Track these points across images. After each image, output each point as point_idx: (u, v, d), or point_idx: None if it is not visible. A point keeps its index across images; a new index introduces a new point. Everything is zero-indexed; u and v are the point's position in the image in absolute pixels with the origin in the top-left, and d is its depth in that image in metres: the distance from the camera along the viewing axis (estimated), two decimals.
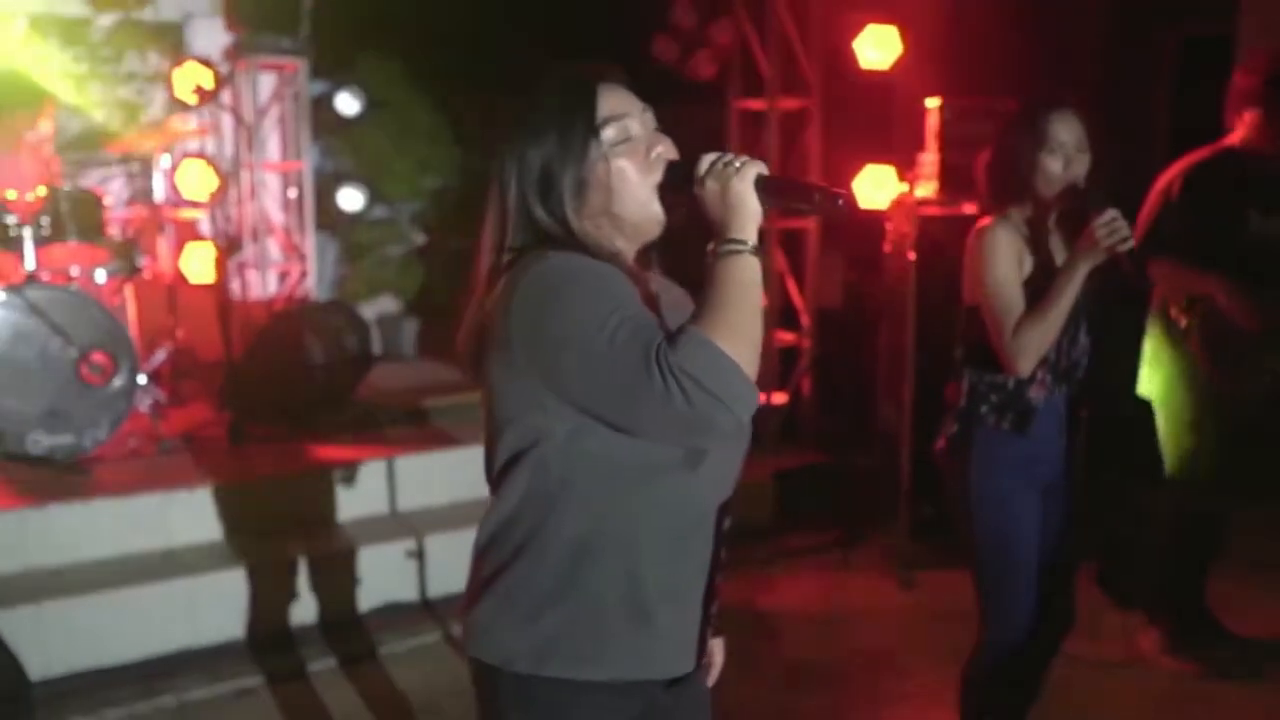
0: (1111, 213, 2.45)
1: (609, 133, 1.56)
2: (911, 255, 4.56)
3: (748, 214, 1.51)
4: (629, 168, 1.57)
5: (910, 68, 5.35)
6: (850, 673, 3.83)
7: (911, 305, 4.53)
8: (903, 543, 4.57)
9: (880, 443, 5.01)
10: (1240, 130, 3.56)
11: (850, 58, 5.30)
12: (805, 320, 5.77)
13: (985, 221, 2.67)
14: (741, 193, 1.50)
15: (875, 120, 5.76)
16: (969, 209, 4.60)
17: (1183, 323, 3.56)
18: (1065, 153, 2.57)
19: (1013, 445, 2.62)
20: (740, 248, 1.48)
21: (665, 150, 1.60)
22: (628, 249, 1.62)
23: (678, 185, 1.57)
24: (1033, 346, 2.53)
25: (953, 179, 4.51)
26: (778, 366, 5.75)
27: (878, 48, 5.26)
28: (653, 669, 1.62)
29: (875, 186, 5.07)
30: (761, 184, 1.51)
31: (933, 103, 4.68)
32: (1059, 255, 2.67)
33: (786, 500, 5.16)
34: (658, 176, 1.58)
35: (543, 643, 1.55)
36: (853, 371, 5.58)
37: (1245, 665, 3.71)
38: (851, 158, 5.21)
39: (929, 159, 4.67)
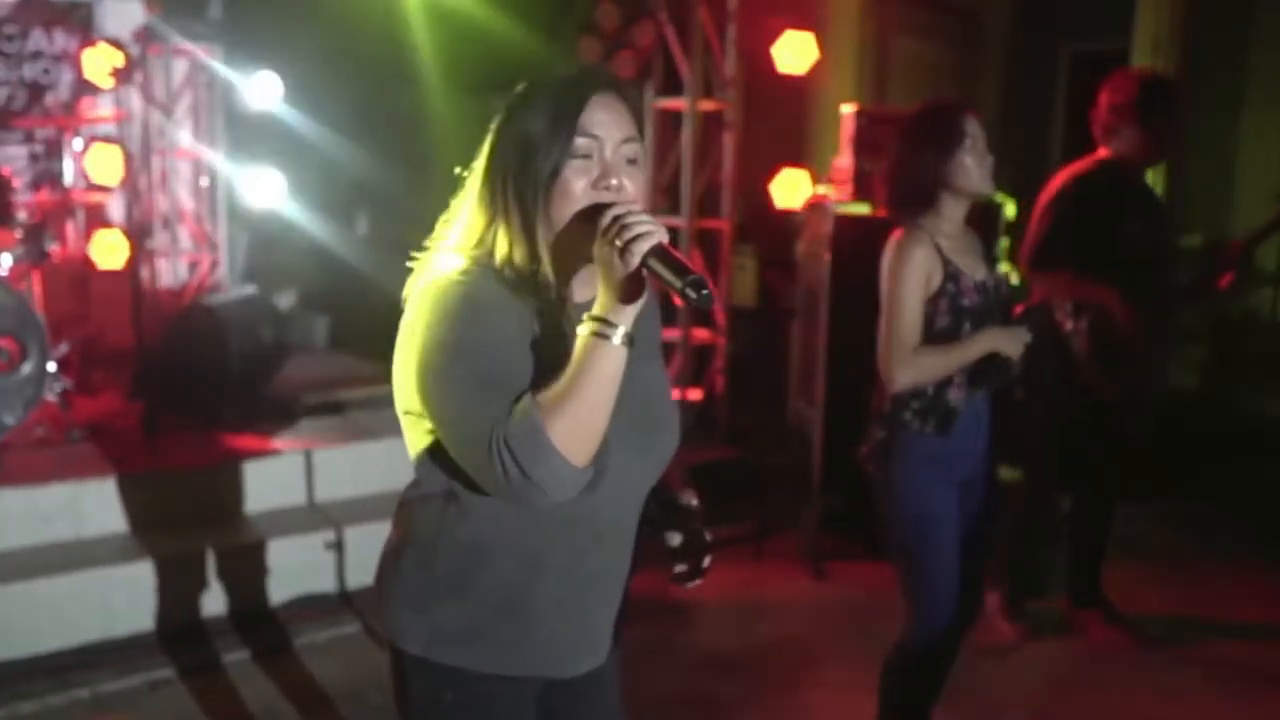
0: (1028, 336, 2.76)
1: (577, 140, 1.53)
2: (826, 256, 4.70)
3: (622, 299, 1.44)
4: (573, 183, 1.53)
5: (826, 74, 5.50)
6: (765, 660, 3.94)
7: (825, 305, 4.66)
8: (814, 535, 4.71)
9: (792, 439, 5.14)
10: (1116, 144, 3.82)
11: (768, 62, 5.43)
12: (720, 318, 5.88)
13: (899, 234, 2.79)
14: (629, 270, 1.42)
15: (792, 124, 5.90)
16: (882, 212, 4.77)
17: (1068, 326, 3.79)
18: (981, 148, 2.72)
19: (933, 445, 2.76)
20: (610, 333, 1.44)
21: (620, 185, 1.54)
22: (553, 262, 1.57)
23: (590, 226, 1.50)
24: (918, 375, 2.72)
25: (866, 183, 4.66)
26: (693, 363, 5.85)
27: (795, 53, 5.40)
28: (538, 669, 1.69)
29: (790, 189, 5.22)
30: (654, 254, 1.43)
31: (848, 108, 4.83)
32: (971, 259, 2.81)
33: (699, 495, 5.24)
34: (580, 205, 1.54)
35: (432, 629, 1.63)
36: (766, 369, 5.71)
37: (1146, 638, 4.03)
38: (768, 160, 5.35)
39: (843, 163, 4.82)
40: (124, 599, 3.89)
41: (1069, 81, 7.66)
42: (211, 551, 4.10)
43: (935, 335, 2.73)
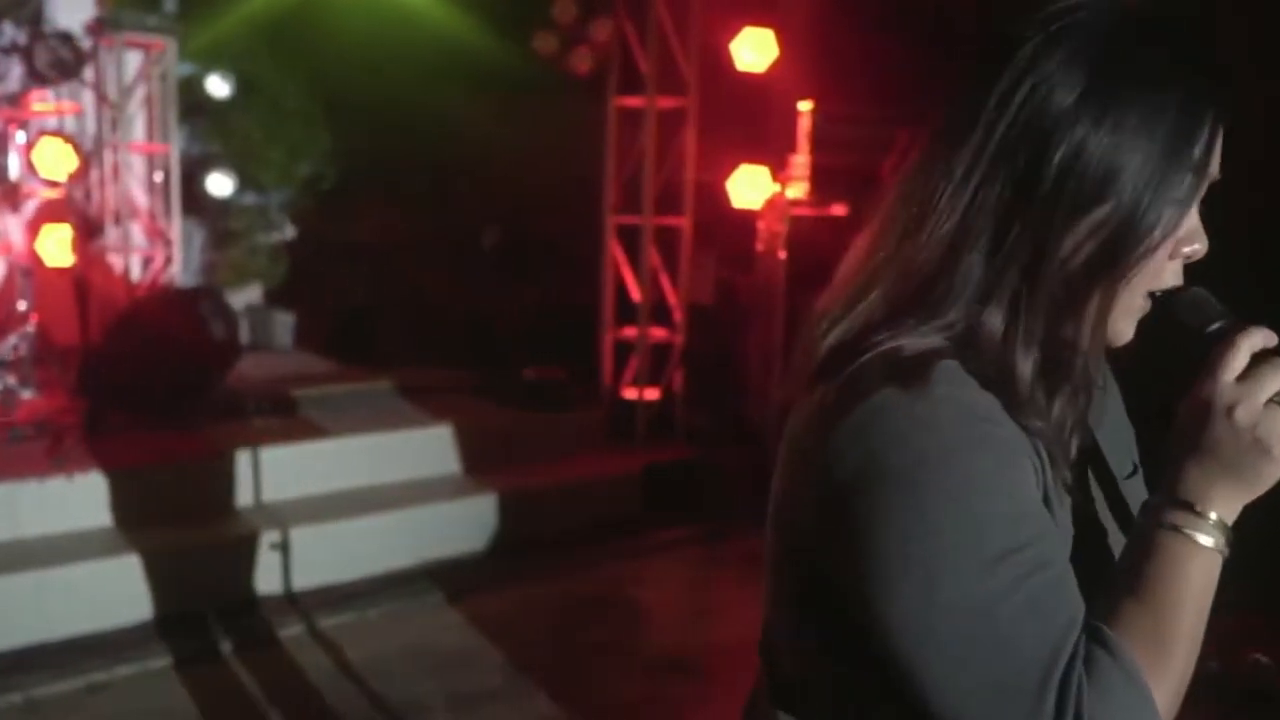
0: None
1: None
2: (782, 254, 4.68)
3: (1256, 492, 0.95)
4: (1167, 259, 0.96)
5: (785, 71, 5.47)
6: (717, 661, 3.90)
7: (781, 303, 4.64)
8: None
9: (748, 438, 5.11)
10: None
11: (727, 59, 5.40)
12: (677, 316, 5.84)
13: None
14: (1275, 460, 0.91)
15: (750, 121, 5.87)
16: (838, 210, 4.75)
17: None
18: None
19: None
20: (1214, 541, 0.93)
21: (1194, 253, 0.97)
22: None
23: (1179, 331, 0.97)
24: None
25: (823, 181, 4.64)
26: (651, 362, 5.81)
27: (754, 50, 5.37)
28: None
29: (748, 186, 5.18)
30: None
31: (805, 106, 4.80)
32: None
33: (656, 493, 5.22)
34: (1162, 285, 0.97)
35: None
36: (723, 368, 5.67)
37: None
38: (726, 157, 5.32)
39: (800, 161, 4.79)
40: (61, 601, 3.81)
41: None
42: (153, 553, 4.01)
43: None
